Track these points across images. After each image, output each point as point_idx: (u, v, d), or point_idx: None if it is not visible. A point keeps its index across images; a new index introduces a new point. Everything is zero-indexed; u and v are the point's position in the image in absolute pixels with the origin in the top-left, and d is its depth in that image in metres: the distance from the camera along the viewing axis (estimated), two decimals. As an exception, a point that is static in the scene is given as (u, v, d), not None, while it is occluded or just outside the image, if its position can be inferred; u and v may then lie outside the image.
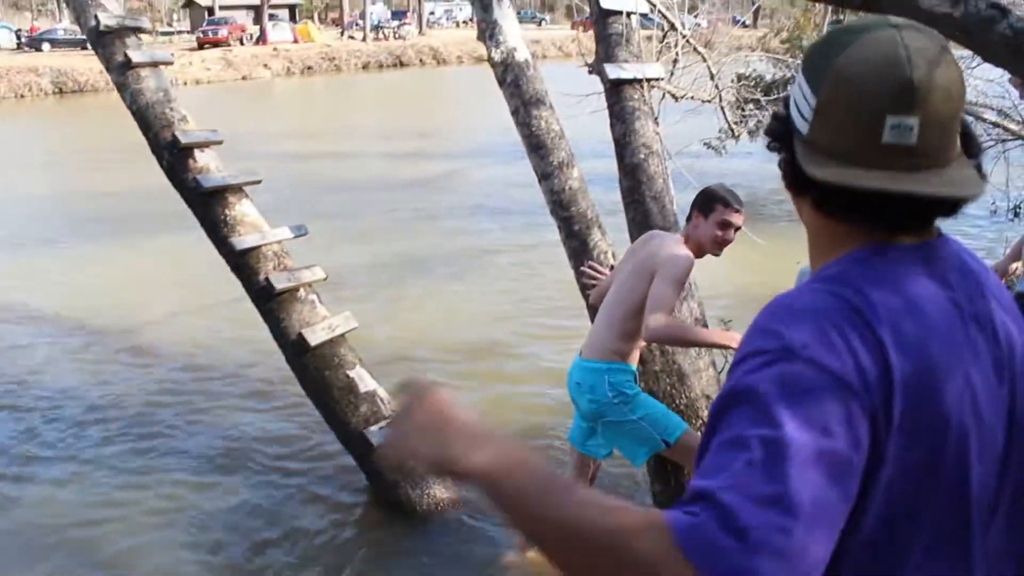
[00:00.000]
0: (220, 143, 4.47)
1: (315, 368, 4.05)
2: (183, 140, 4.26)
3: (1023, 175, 8.87)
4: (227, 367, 5.77)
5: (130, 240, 9.44)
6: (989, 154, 7.78)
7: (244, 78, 34.61)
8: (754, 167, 11.75)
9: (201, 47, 37.91)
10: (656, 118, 4.27)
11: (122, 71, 4.33)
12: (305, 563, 3.70)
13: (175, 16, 54.03)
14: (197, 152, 4.34)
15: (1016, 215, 9.55)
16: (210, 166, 4.34)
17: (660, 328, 2.84)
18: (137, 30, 4.51)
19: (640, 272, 3.03)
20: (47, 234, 9.94)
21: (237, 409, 5.15)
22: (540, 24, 55.97)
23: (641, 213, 3.92)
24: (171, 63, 4.78)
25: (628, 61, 4.17)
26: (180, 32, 47.47)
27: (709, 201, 3.07)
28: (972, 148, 1.00)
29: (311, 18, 51.96)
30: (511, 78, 3.90)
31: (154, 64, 4.48)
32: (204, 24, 41.85)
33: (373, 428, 3.89)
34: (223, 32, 38.88)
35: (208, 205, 4.25)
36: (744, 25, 37.20)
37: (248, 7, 47.76)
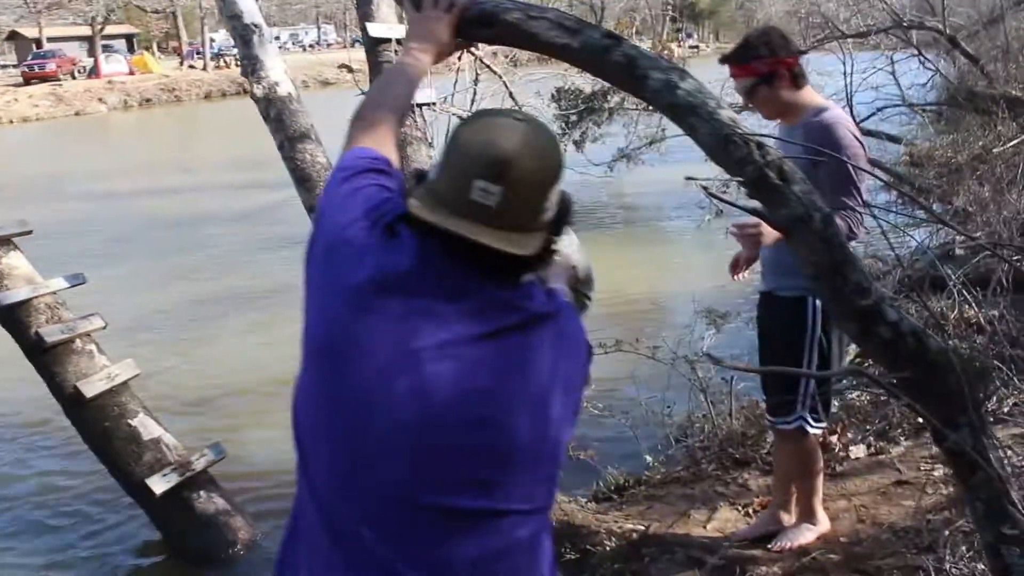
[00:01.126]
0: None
1: (93, 420, 3.91)
2: (-61, 194, 4.05)
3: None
4: (17, 421, 5.48)
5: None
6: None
7: (77, 114, 32.91)
8: (579, 178, 12.02)
9: (28, 82, 35.87)
10: (431, 142, 4.36)
11: None
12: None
13: (-1, 50, 50.94)
14: (-44, 205, 4.13)
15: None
16: (-30, 219, 4.14)
17: None
18: None
19: None
20: None
21: (23, 465, 4.91)
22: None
23: (417, 238, 3.99)
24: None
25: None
26: (5, 67, 44.76)
27: None
28: (556, 229, 1.23)
29: (148, 48, 50.05)
30: (274, 113, 3.90)
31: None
32: (30, 58, 39.58)
33: (155, 476, 3.78)
34: (51, 66, 36.81)
35: (-29, 260, 4.05)
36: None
37: (80, 38, 45.54)
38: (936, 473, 3.15)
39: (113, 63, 40.16)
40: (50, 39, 44.56)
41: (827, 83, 9.92)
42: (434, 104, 4.45)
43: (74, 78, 37.72)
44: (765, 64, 2.54)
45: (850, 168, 2.45)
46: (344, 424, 1.17)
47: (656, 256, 9.50)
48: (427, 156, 4.19)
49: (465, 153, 1.17)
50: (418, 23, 1.60)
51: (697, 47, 52.97)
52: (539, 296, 1.24)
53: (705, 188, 1.57)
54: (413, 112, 4.22)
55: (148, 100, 36.16)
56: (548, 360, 1.21)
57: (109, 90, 35.64)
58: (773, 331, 2.81)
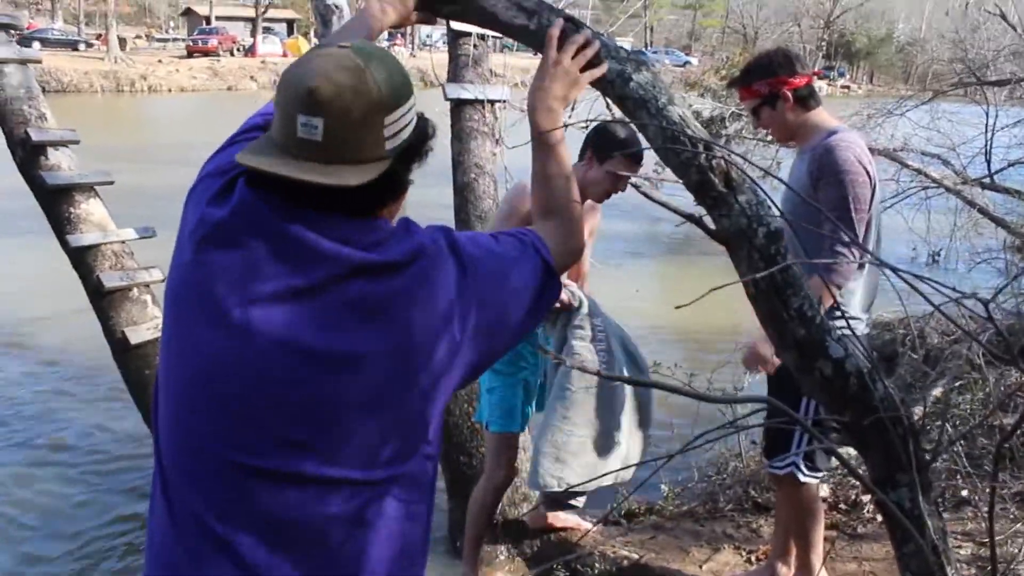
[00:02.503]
0: (77, 142, 4.49)
1: (135, 366, 4.07)
2: (35, 137, 4.29)
3: (944, 223, 8.87)
4: (83, 368, 5.75)
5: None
6: (911, 201, 7.83)
7: (230, 88, 34.73)
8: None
9: (190, 55, 38.12)
10: (499, 139, 4.33)
11: (-17, 65, 4.36)
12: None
13: (172, 24, 54.29)
14: (50, 150, 4.35)
15: (935, 261, 9.63)
16: (62, 164, 4.36)
17: None
18: (8, 27, 4.57)
19: None
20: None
21: (83, 408, 5.15)
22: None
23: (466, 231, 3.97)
24: (39, 61, 4.83)
25: (473, 82, 4.23)
26: (176, 40, 47.70)
27: (607, 146, 2.53)
28: (408, 157, 1.18)
29: (306, 34, 52.22)
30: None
31: (21, 61, 4.52)
32: (196, 33, 42.12)
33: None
34: (213, 42, 39.17)
35: (54, 202, 4.27)
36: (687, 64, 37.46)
37: (246, 19, 48.09)
38: (962, 552, 2.88)
39: (269, 44, 42.25)
40: (219, 17, 47.26)
41: (958, 133, 9.36)
42: (505, 101, 4.43)
43: (232, 55, 39.86)
44: (766, 85, 2.44)
45: (849, 194, 2.28)
46: (178, 373, 1.17)
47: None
48: (491, 152, 4.17)
49: (286, 90, 1.12)
50: None
51: (848, 87, 51.13)
52: (386, 244, 1.16)
53: (636, 187, 1.47)
54: (483, 107, 4.21)
55: (296, 83, 37.70)
56: (381, 320, 1.13)
57: (262, 69, 37.41)
58: (779, 366, 2.63)
